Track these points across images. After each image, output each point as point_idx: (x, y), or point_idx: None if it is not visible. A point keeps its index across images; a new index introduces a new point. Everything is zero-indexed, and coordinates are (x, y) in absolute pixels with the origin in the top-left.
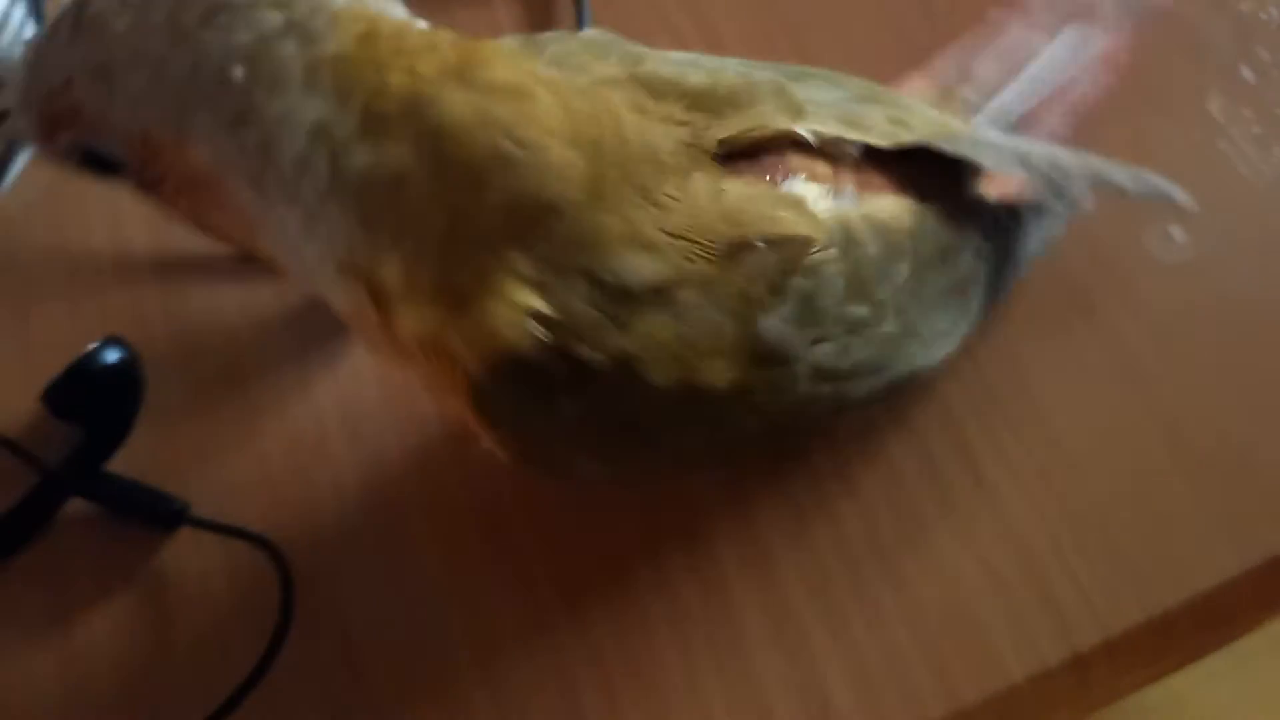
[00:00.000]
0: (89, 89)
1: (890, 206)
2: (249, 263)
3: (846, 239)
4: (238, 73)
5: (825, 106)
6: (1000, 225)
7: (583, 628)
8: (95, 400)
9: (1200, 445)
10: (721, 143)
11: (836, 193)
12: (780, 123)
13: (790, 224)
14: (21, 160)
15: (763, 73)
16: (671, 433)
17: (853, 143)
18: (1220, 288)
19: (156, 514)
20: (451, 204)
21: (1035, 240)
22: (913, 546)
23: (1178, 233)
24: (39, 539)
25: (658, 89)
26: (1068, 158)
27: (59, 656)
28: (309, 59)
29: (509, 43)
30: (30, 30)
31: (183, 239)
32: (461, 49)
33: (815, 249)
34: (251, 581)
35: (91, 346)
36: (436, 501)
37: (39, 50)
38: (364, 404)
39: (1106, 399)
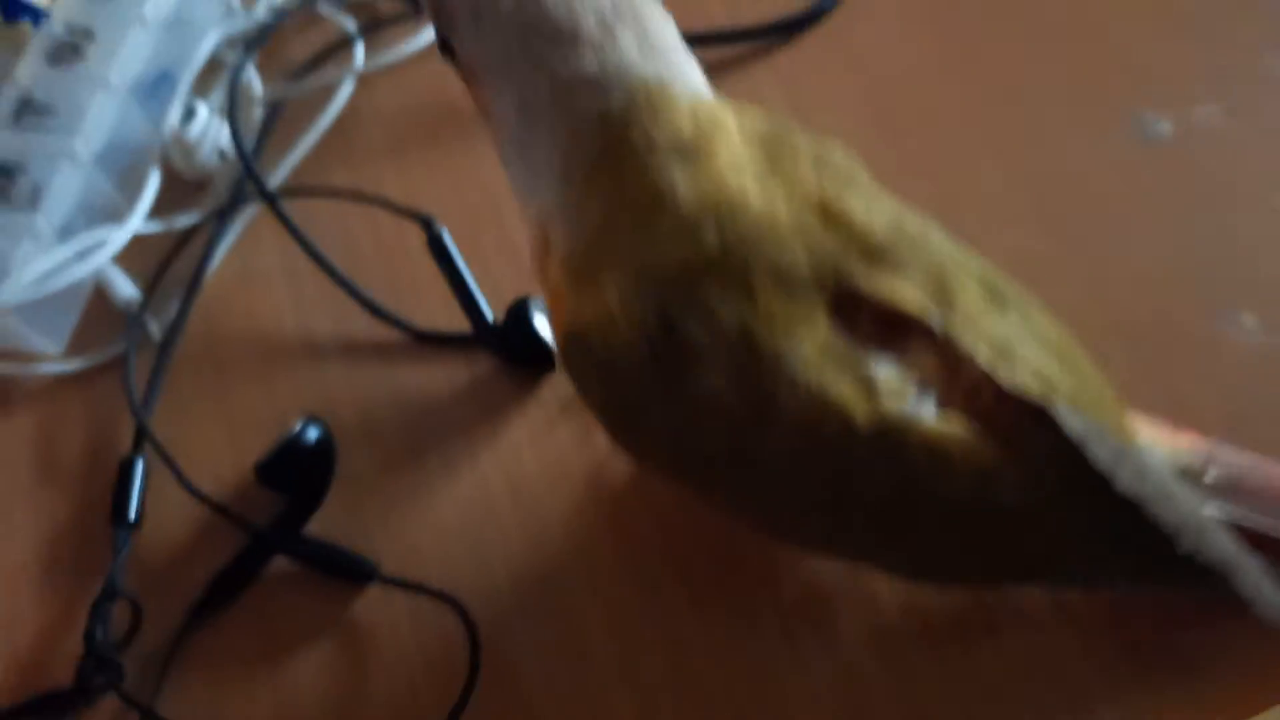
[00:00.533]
0: (461, 20)
1: (968, 445)
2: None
3: (894, 442)
4: (543, 85)
5: (983, 317)
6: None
7: (729, 682)
8: (297, 472)
9: None
10: (851, 288)
11: (920, 395)
12: (913, 303)
13: (842, 398)
14: (220, 254)
15: (956, 256)
16: (652, 439)
17: (978, 363)
18: None
19: (351, 571)
20: (609, 224)
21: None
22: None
23: (1248, 318)
24: (251, 591)
25: (831, 215)
26: (1214, 525)
27: (271, 693)
28: (586, 104)
29: (748, 121)
30: (220, 131)
31: (364, 326)
32: (701, 130)
33: (853, 436)
34: (435, 634)
35: (296, 427)
36: (592, 560)
37: None
38: (524, 472)
39: None
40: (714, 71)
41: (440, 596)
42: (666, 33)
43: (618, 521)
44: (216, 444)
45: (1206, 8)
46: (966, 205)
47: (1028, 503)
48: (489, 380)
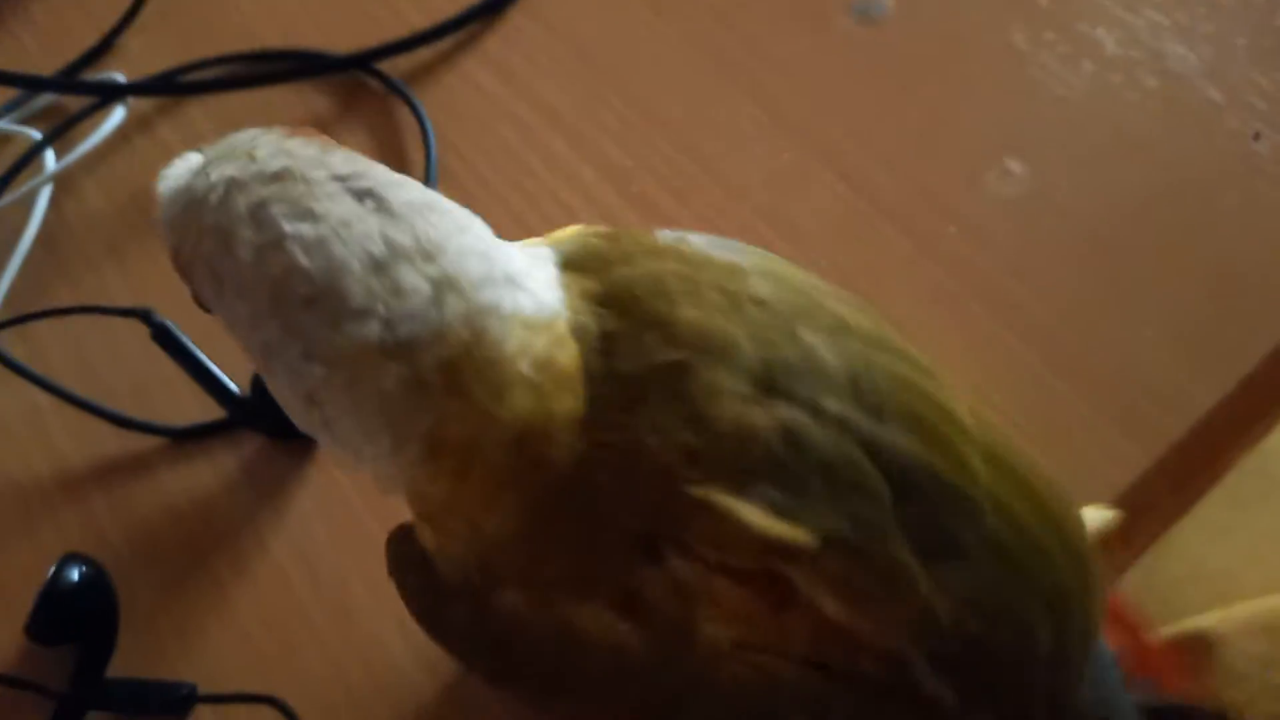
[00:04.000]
0: (202, 283)
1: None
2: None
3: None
4: (318, 371)
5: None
6: None
7: None
8: (76, 618)
9: (1078, 355)
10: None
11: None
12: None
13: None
14: None
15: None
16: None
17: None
18: (1061, 206)
19: (169, 703)
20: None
21: None
22: None
23: (1015, 165)
24: None
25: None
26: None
27: None
28: (392, 380)
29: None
30: None
31: (118, 442)
32: (547, 392)
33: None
34: None
35: (51, 571)
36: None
37: (186, 209)
38: (317, 547)
39: (980, 330)
40: (424, 74)
41: (259, 700)
42: (467, 245)
43: None
44: None
45: None
46: (707, 134)
47: None
48: (260, 460)
